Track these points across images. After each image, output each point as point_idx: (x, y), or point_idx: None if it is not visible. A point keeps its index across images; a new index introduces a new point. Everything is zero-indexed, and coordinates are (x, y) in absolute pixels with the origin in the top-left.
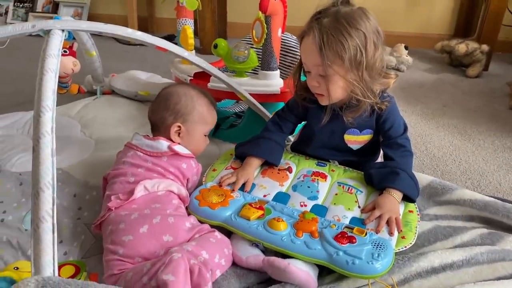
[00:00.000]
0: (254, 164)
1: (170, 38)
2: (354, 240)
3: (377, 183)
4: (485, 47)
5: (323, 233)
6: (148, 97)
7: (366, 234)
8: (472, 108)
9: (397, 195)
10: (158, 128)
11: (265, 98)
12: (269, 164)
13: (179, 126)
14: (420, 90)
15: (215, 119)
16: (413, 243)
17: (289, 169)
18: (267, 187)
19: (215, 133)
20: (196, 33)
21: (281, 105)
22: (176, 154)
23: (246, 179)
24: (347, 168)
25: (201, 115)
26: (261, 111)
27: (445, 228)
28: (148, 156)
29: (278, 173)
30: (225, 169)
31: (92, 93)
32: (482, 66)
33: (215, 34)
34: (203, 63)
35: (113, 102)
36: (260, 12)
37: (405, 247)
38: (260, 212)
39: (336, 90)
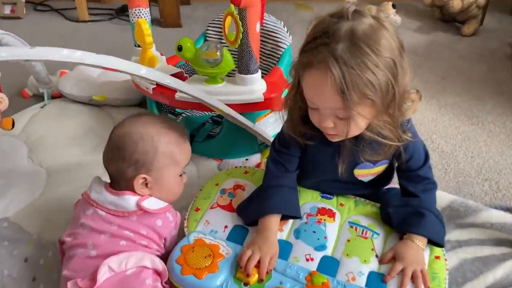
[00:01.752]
0: (274, 226)
1: (123, 9)
2: None
3: (397, 225)
4: (481, 1)
5: None
6: (105, 101)
7: None
8: (474, 79)
9: (421, 241)
10: (118, 181)
11: (247, 108)
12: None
13: (144, 178)
14: (414, 59)
15: (189, 153)
16: None
17: None
18: None
19: None
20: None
21: (265, 113)
22: (147, 212)
23: (272, 254)
24: (358, 199)
25: (168, 157)
26: (243, 124)
27: (473, 263)
28: (112, 217)
29: None
30: (211, 208)
31: (38, 96)
32: (478, 22)
33: (176, 1)
34: (165, 78)
35: (64, 110)
36: (232, 5)
37: None
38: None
39: (355, 130)
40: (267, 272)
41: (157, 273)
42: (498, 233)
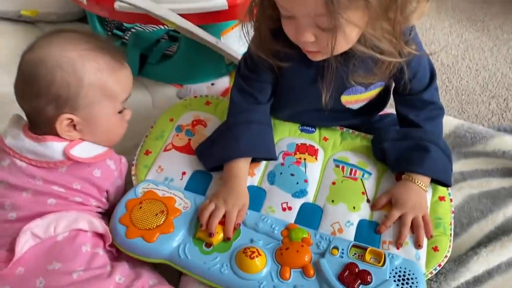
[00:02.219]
0: (242, 172)
1: None
2: (368, 278)
3: (394, 163)
4: None
5: (320, 267)
6: (37, 17)
7: (384, 259)
8: None
9: (424, 182)
10: (38, 123)
11: (207, 19)
12: None
13: (70, 119)
14: None
15: (129, 82)
16: (449, 255)
17: None
18: None
19: (141, 71)
20: None
21: (231, 25)
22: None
23: (240, 206)
24: (345, 130)
25: (99, 89)
26: (204, 40)
27: (480, 199)
28: (35, 168)
29: None
30: (164, 150)
31: None
32: None
33: None
34: None
35: None
36: None
37: (439, 265)
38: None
39: (344, 44)
40: (234, 228)
41: (99, 235)
42: (509, 162)
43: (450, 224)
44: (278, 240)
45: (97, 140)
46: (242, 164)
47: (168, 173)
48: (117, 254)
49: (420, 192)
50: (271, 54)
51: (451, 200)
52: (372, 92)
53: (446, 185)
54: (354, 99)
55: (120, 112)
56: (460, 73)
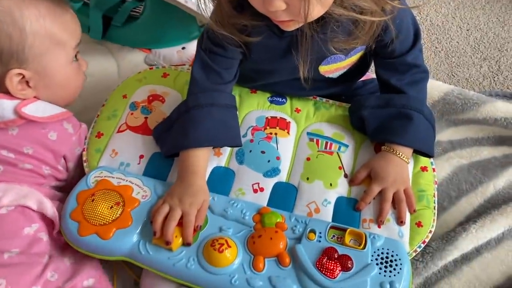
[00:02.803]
0: (201, 165)
1: None
2: (349, 263)
3: (373, 133)
4: None
5: (297, 254)
6: None
7: (365, 240)
8: None
9: (405, 154)
10: None
11: None
12: None
13: (20, 74)
14: None
15: (76, 26)
16: (433, 230)
17: None
18: None
19: (105, 35)
20: None
21: None
22: (32, 121)
23: (200, 205)
24: (318, 99)
25: (46, 37)
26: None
27: (469, 170)
28: None
29: None
30: (118, 131)
31: None
32: None
33: None
34: None
35: None
36: None
37: (424, 242)
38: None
39: (319, 8)
40: (194, 230)
41: (47, 219)
42: (501, 129)
43: (434, 196)
44: (250, 226)
45: (53, 96)
46: (200, 153)
47: (124, 157)
48: (64, 244)
49: (402, 164)
50: (236, 30)
51: (433, 169)
52: (353, 58)
53: (429, 156)
54: (334, 68)
55: (75, 61)
56: (450, 33)
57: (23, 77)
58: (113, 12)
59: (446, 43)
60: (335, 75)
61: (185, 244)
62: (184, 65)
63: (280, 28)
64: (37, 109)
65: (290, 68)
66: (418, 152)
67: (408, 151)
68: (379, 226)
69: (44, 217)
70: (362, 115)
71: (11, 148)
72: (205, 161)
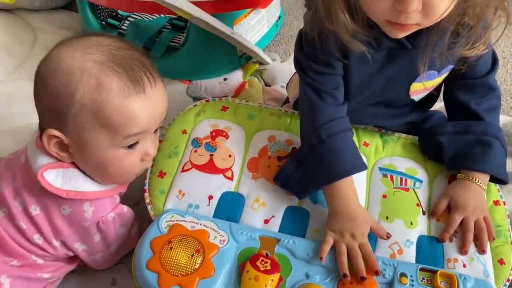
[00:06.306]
0: (354, 192)
1: None
2: None
3: (452, 161)
4: None
5: None
6: (15, 4)
7: (457, 283)
8: None
9: (483, 180)
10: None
11: (222, 7)
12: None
13: (57, 136)
14: None
15: (146, 115)
16: None
17: None
18: (266, 202)
19: None
20: None
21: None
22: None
23: (368, 232)
24: (383, 132)
25: (92, 115)
26: (218, 29)
27: None
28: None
29: (279, 166)
30: (182, 170)
31: None
32: None
33: None
34: None
35: None
36: None
37: (508, 280)
38: (274, 277)
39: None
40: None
41: None
42: None
43: (509, 231)
44: (336, 272)
45: (89, 172)
46: (347, 181)
47: (192, 199)
48: None
49: (480, 192)
50: (353, 38)
51: (504, 203)
52: (442, 78)
53: (503, 182)
54: (423, 87)
55: (130, 146)
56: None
57: (60, 140)
58: (151, 42)
59: None
60: (419, 97)
61: (361, 278)
62: (227, 96)
63: (377, 40)
64: (57, 177)
65: (380, 85)
66: (492, 179)
67: (485, 178)
68: (462, 254)
69: None
70: (439, 141)
71: (24, 201)
72: (353, 186)
